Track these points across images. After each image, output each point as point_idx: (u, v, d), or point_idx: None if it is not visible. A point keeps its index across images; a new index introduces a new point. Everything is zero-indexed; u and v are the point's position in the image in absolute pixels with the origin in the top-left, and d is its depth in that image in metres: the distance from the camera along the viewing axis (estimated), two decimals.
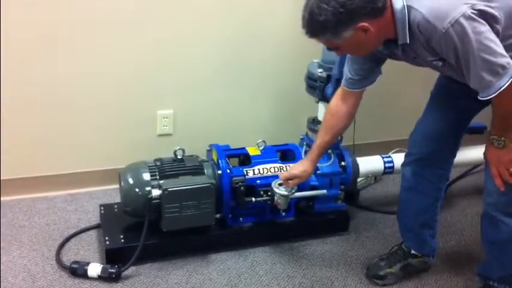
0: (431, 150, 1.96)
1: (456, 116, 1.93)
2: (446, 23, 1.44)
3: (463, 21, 1.43)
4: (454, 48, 1.47)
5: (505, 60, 1.45)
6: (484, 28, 1.44)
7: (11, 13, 2.14)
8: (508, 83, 1.46)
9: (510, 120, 1.61)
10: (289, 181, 2.07)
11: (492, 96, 1.49)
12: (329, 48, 1.65)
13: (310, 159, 2.06)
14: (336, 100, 1.97)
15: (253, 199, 2.17)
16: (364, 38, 1.54)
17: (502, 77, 1.46)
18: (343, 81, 1.91)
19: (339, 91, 1.96)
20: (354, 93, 1.91)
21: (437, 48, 1.52)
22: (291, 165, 2.15)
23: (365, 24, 1.51)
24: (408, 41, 1.56)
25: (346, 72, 1.87)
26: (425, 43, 1.54)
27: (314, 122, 2.36)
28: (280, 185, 2.13)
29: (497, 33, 1.48)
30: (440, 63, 1.61)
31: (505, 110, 1.58)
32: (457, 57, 1.49)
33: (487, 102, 1.64)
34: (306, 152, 2.29)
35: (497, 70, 1.45)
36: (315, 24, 1.54)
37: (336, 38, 1.54)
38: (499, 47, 1.46)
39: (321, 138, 2.02)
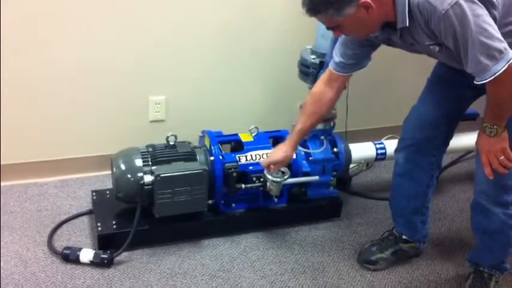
0: (425, 137, 1.96)
1: (452, 105, 1.93)
2: (446, 4, 1.44)
3: (462, 3, 1.43)
4: (452, 30, 1.47)
5: (502, 45, 1.46)
6: (483, 11, 1.45)
7: (8, 5, 2.12)
8: (504, 68, 1.46)
9: (503, 108, 1.61)
10: (271, 166, 2.07)
11: (488, 80, 1.49)
12: (328, 28, 1.63)
13: (290, 144, 2.05)
14: (320, 85, 1.95)
15: (243, 185, 2.17)
16: (365, 16, 1.53)
17: (499, 62, 1.46)
18: (331, 64, 1.90)
19: (325, 75, 1.94)
20: (341, 77, 1.90)
21: (436, 30, 1.52)
22: (271, 150, 2.15)
23: (368, 0, 1.50)
24: (407, 24, 1.55)
25: (338, 55, 1.86)
26: (424, 25, 1.54)
27: None
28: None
29: (494, 18, 1.48)
30: (437, 48, 1.61)
31: (499, 96, 1.57)
32: (455, 39, 1.49)
33: (482, 91, 1.65)
34: None
35: (494, 54, 1.46)
36: (317, 0, 1.52)
37: (338, 14, 1.52)
38: (496, 31, 1.46)
39: (302, 124, 2.01)
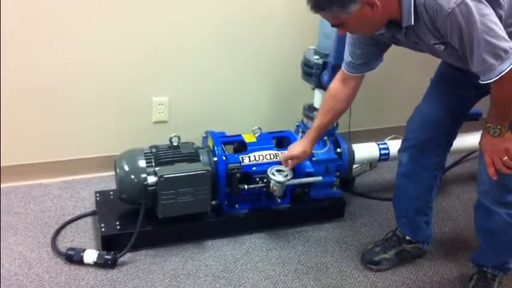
0: (428, 137, 1.96)
1: (455, 105, 1.93)
2: (452, 3, 1.44)
3: (469, 2, 1.43)
4: (458, 29, 1.47)
5: (507, 44, 1.46)
6: (489, 11, 1.45)
7: (9, 5, 2.13)
8: (509, 68, 1.46)
9: (508, 108, 1.60)
10: (289, 161, 2.09)
11: (493, 79, 1.48)
12: (333, 25, 1.62)
13: (308, 140, 2.07)
14: (336, 82, 1.96)
15: (246, 186, 2.18)
16: (370, 13, 1.53)
17: (504, 61, 1.46)
18: (343, 64, 1.91)
19: (340, 73, 1.95)
20: (354, 77, 1.90)
21: (441, 29, 1.52)
22: (290, 146, 2.16)
23: None
24: (413, 23, 1.55)
25: (347, 55, 1.86)
26: (430, 24, 1.54)
27: (310, 109, 2.37)
28: (276, 171, 2.13)
29: (499, 18, 1.48)
30: (442, 47, 1.61)
31: (503, 96, 1.57)
32: (461, 38, 1.49)
33: (486, 92, 1.64)
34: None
35: (500, 54, 1.45)
36: None
37: (343, 11, 1.52)
38: (502, 31, 1.46)
39: (319, 120, 2.03)
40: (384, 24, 1.62)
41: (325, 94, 2.03)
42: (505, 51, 1.45)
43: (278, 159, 2.19)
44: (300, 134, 2.39)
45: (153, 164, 2.08)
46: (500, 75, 1.47)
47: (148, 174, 2.05)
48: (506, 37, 1.46)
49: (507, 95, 1.55)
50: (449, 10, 1.45)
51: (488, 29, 1.44)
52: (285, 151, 2.18)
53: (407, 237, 2.15)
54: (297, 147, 2.09)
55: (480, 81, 1.52)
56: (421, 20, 1.54)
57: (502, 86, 1.51)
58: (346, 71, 1.90)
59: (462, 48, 1.51)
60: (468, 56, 1.51)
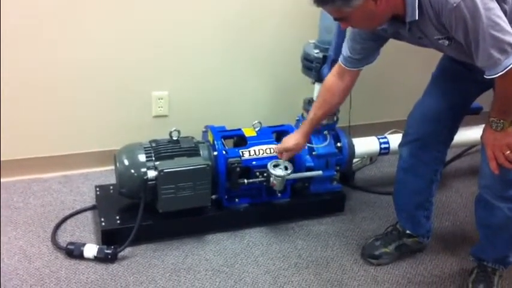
0: (429, 132, 1.96)
1: (456, 99, 1.92)
2: None
3: None
4: (464, 24, 1.46)
5: None
6: (494, 5, 1.44)
7: (9, 4, 2.12)
8: None
9: (511, 102, 1.60)
10: (284, 153, 2.10)
11: (499, 74, 1.48)
12: (336, 19, 1.61)
13: (302, 132, 2.08)
14: (332, 76, 1.96)
15: (246, 181, 2.17)
16: (373, 8, 1.52)
17: (510, 56, 1.45)
18: (341, 59, 1.90)
19: (336, 67, 1.95)
20: (351, 71, 1.90)
21: (446, 24, 1.51)
22: (284, 138, 2.16)
23: None
24: (417, 18, 1.55)
25: (346, 50, 1.86)
26: (434, 19, 1.53)
27: (310, 103, 2.36)
28: (276, 166, 2.13)
29: (504, 12, 1.48)
30: (446, 42, 1.60)
31: (507, 91, 1.56)
32: (466, 33, 1.48)
33: (487, 86, 1.64)
34: None
35: (505, 48, 1.45)
36: None
37: (346, 5, 1.51)
38: (507, 25, 1.45)
39: (314, 112, 2.04)
40: (387, 19, 1.61)
41: (321, 87, 2.04)
42: (511, 45, 1.44)
43: (274, 152, 2.19)
44: None
45: (153, 158, 2.08)
46: (505, 70, 1.46)
47: (148, 168, 2.05)
48: None
49: (511, 90, 1.55)
50: (454, 4, 1.44)
51: (493, 23, 1.43)
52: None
53: (408, 232, 2.15)
54: (291, 140, 2.10)
55: (485, 76, 1.51)
56: (426, 14, 1.54)
57: (506, 80, 1.50)
58: (343, 66, 1.90)
59: (467, 43, 1.51)
60: (473, 51, 1.50)
